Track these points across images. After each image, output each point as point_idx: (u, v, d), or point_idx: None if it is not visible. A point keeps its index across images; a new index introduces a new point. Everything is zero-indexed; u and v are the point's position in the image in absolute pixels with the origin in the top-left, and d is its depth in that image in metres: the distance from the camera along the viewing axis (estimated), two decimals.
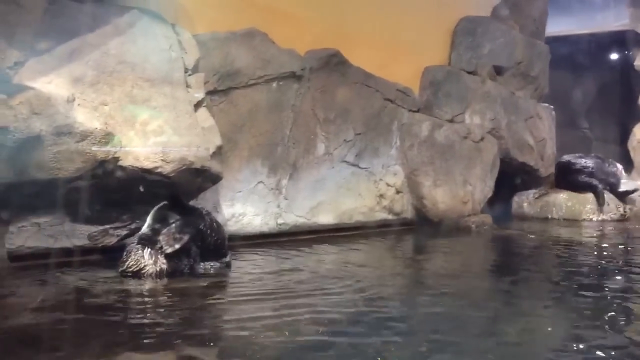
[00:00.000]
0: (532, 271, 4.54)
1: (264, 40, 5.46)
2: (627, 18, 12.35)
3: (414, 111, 6.95)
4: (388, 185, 6.55)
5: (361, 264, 4.59)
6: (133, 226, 4.02)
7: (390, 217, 6.56)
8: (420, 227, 6.67)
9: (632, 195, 8.21)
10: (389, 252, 5.52)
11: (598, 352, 2.37)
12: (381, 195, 6.47)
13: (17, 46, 3.78)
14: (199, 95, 4.63)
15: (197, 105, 4.59)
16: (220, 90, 5.13)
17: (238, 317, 2.97)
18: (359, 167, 6.31)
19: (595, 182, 7.91)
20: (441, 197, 6.81)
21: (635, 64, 12.26)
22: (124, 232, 4.04)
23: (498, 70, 7.95)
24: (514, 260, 5.26)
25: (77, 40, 4.08)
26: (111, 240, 4.05)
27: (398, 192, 6.63)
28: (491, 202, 7.59)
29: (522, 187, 8.51)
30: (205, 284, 3.67)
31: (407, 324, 2.87)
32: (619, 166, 8.57)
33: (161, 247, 3.73)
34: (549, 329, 2.83)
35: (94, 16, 4.21)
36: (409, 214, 6.77)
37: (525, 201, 8.32)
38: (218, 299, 3.44)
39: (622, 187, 8.15)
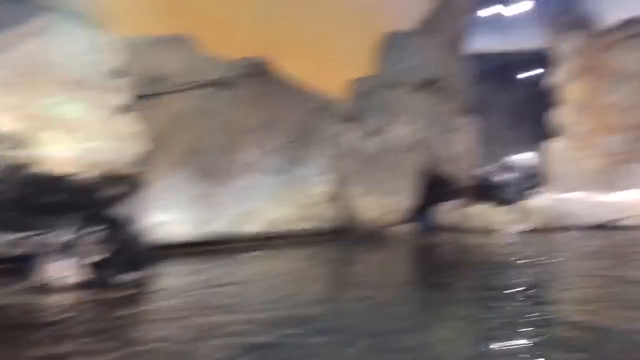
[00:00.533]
0: (450, 277, 4.70)
1: (192, 46, 5.41)
2: (542, 37, 13.05)
3: (342, 122, 7.04)
4: (316, 194, 6.59)
5: (286, 273, 4.59)
6: (48, 235, 3.84)
7: (318, 225, 6.61)
8: (348, 235, 6.75)
9: (546, 207, 8.57)
10: (315, 260, 5.54)
11: (508, 353, 2.48)
12: (309, 204, 6.51)
13: None
14: (123, 100, 4.51)
15: (122, 110, 4.47)
16: (145, 95, 5.04)
17: (148, 334, 2.88)
18: (288, 176, 6.33)
19: (511, 195, 8.21)
20: (368, 206, 6.92)
21: (550, 80, 12.94)
22: (38, 240, 3.85)
23: (422, 84, 8.18)
24: (434, 267, 5.43)
25: None
26: (25, 250, 3.86)
27: (326, 201, 6.68)
28: (415, 211, 7.78)
29: (444, 197, 8.76)
30: (120, 296, 3.54)
31: (328, 331, 2.89)
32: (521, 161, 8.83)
33: (79, 258, 3.59)
34: (460, 330, 2.94)
35: (13, 16, 4.03)
36: (336, 222, 6.83)
37: (447, 211, 8.57)
38: (132, 313, 3.30)
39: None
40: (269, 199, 6.08)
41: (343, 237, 6.75)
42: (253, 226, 5.90)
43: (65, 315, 3.16)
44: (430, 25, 8.50)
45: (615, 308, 3.19)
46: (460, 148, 8.62)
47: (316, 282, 4.37)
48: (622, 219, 8.46)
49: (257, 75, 5.98)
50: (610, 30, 12.14)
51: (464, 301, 3.79)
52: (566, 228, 8.09)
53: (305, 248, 5.90)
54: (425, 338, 2.79)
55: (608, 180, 12.17)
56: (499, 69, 13.05)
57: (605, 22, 11.73)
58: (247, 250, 5.46)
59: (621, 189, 10.78)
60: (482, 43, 11.86)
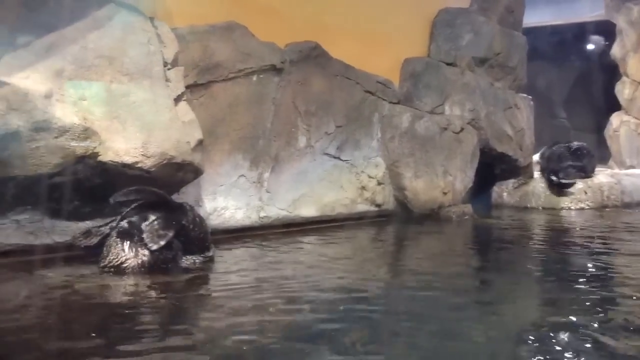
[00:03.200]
0: (510, 260, 4.63)
1: (244, 33, 5.44)
2: (602, 8, 12.53)
3: (395, 103, 6.99)
4: (369, 177, 6.58)
5: (343, 256, 4.62)
6: (115, 224, 3.97)
7: (372, 208, 6.60)
8: (402, 218, 6.73)
9: (609, 184, 8.29)
10: (371, 243, 5.56)
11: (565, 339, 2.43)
12: (363, 187, 6.51)
13: None
14: (179, 89, 4.60)
15: (177, 99, 4.56)
16: (200, 84, 5.10)
17: (220, 312, 2.96)
18: (341, 160, 6.33)
19: (572, 172, 7.96)
20: (422, 188, 6.86)
21: (611, 53, 12.44)
22: (106, 230, 3.99)
23: (477, 62, 8.02)
24: (493, 249, 5.35)
25: (54, 34, 4.02)
26: (94, 241, 4.01)
27: (379, 183, 6.67)
28: (471, 192, 7.68)
29: (501, 176, 8.62)
30: (187, 278, 3.66)
31: (385, 315, 2.90)
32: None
33: (144, 242, 3.70)
34: (522, 317, 2.89)
35: (72, 10, 4.15)
36: (390, 205, 6.81)
37: (504, 191, 8.42)
38: (201, 294, 3.44)
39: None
40: (323, 183, 6.10)
41: (398, 219, 6.73)
42: (308, 210, 5.94)
43: (131, 296, 3.28)
44: (483, 1, 8.29)
45: None
46: (518, 126, 8.41)
47: (372, 265, 4.38)
48: None
49: (309, 59, 5.98)
50: None
51: (525, 282, 3.73)
52: (631, 205, 7.83)
53: (360, 231, 5.91)
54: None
55: None
56: (555, 43, 12.62)
57: None
58: (303, 233, 5.52)
59: None
60: (538, 16, 11.49)
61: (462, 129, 7.45)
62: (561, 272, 3.77)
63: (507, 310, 2.92)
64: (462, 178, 7.39)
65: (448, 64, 7.60)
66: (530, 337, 2.49)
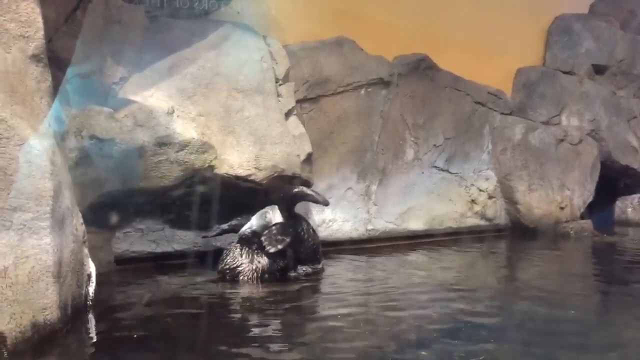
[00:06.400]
0: (637, 290, 4.21)
1: (352, 47, 5.51)
2: None
3: (507, 114, 6.76)
4: (480, 190, 6.40)
5: (453, 272, 4.50)
6: (234, 222, 4.14)
7: (482, 222, 6.41)
8: (515, 233, 6.47)
9: None
10: (482, 259, 5.37)
11: None
12: (473, 201, 6.34)
13: (122, 63, 4.04)
14: (290, 104, 4.74)
15: (288, 114, 4.70)
16: (310, 98, 5.23)
17: (332, 325, 2.98)
18: (449, 172, 6.21)
19: None
20: (536, 203, 6.57)
21: None
22: (225, 226, 4.19)
23: (597, 69, 7.59)
24: (617, 270, 4.94)
25: (175, 55, 4.29)
26: (212, 233, 4.30)
27: (490, 197, 6.46)
28: (592, 207, 7.23)
29: (625, 191, 8.06)
30: (298, 289, 3.72)
31: (499, 338, 2.76)
32: None
33: (261, 247, 3.84)
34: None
35: (191, 31, 4.42)
36: (502, 219, 6.58)
37: (629, 206, 7.86)
38: (313, 305, 3.48)
39: None
40: (431, 196, 6.02)
41: (510, 234, 6.49)
42: (416, 223, 5.87)
43: (243, 303, 3.42)
44: (603, 6, 7.84)
45: None
46: None
47: (485, 284, 4.22)
48: None
49: (417, 71, 5.95)
50: None
51: None
52: None
53: (471, 245, 5.74)
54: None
55: None
56: None
57: None
58: (410, 247, 5.45)
59: None
60: None
61: (580, 141, 7.07)
62: None
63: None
64: (581, 192, 6.99)
65: (565, 73, 7.25)
66: None
